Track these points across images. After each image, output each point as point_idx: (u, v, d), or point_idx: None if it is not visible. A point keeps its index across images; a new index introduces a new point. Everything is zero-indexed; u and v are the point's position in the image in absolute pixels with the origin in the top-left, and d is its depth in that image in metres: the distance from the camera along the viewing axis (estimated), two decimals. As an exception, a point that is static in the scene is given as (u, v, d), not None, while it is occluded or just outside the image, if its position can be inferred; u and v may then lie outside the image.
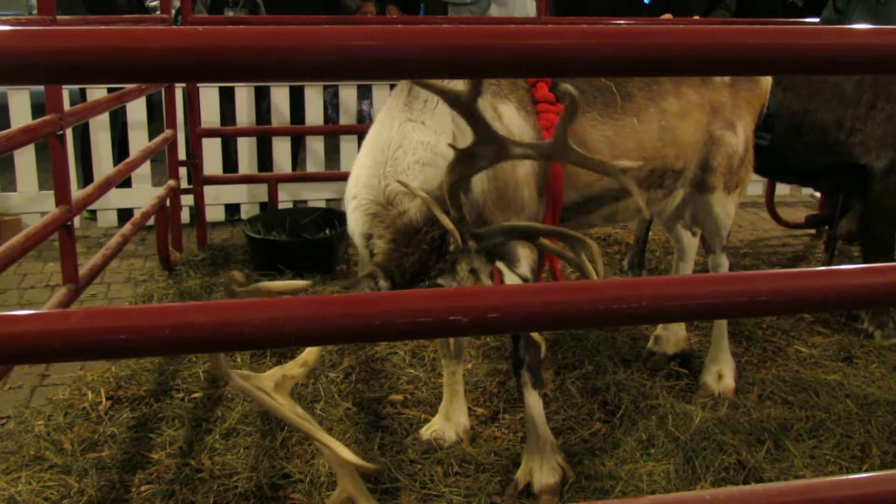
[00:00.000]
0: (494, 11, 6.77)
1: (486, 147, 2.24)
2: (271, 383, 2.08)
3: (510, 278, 2.73)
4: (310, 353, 2.24)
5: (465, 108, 2.14)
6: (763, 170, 4.58)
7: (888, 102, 4.23)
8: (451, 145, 2.31)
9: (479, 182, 2.67)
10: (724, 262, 3.70)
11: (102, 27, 1.12)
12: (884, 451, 3.21)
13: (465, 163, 2.29)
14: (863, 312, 4.40)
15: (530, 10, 6.72)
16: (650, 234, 5.73)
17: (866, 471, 3.09)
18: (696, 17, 6.43)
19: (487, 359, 3.95)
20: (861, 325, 4.36)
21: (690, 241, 3.91)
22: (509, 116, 2.74)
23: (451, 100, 2.16)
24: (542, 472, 2.93)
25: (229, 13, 6.25)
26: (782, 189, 7.14)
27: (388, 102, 2.77)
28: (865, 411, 3.49)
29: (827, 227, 5.65)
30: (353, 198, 2.68)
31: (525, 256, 2.78)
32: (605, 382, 3.66)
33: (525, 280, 2.75)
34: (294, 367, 2.17)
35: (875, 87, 4.26)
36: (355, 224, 2.66)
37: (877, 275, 1.47)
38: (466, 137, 2.66)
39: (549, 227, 2.54)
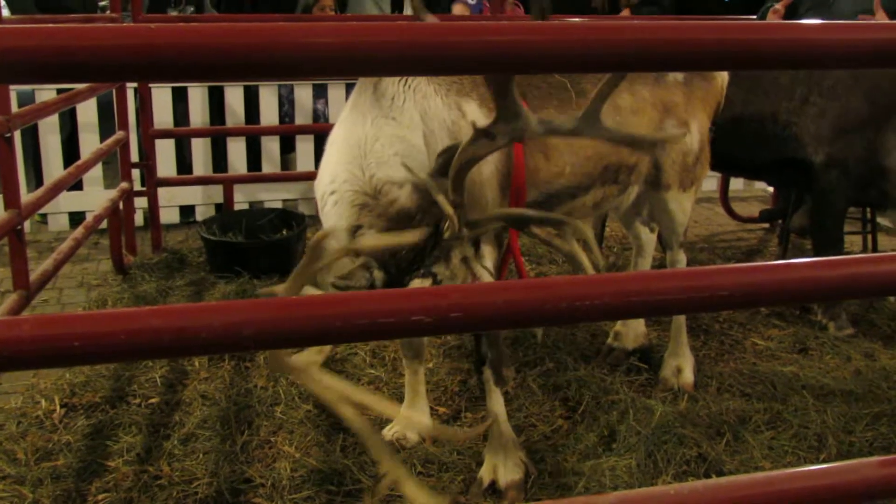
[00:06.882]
0: None
1: (507, 125, 2.16)
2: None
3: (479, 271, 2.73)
4: None
5: (500, 81, 2.10)
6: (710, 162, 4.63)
7: (821, 97, 4.27)
8: (473, 123, 2.25)
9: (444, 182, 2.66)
10: (682, 258, 3.74)
11: (50, 25, 1.08)
12: (840, 441, 3.27)
13: (481, 143, 2.21)
14: (816, 305, 4.48)
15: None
16: (607, 230, 5.78)
17: (823, 461, 3.15)
18: (627, 13, 6.54)
19: (449, 358, 3.95)
20: (815, 317, 4.43)
21: (648, 237, 3.95)
22: (472, 113, 2.75)
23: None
24: (507, 468, 2.93)
25: (173, 13, 6.14)
26: (736, 184, 7.24)
27: (353, 101, 2.77)
28: (821, 402, 3.55)
29: (780, 221, 5.75)
30: (331, 193, 2.66)
31: (489, 253, 2.78)
32: (566, 379, 3.68)
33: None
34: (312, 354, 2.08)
35: (809, 81, 4.29)
36: (339, 218, 2.63)
37: (830, 268, 1.49)
38: (436, 135, 2.67)
39: (540, 213, 2.51)
